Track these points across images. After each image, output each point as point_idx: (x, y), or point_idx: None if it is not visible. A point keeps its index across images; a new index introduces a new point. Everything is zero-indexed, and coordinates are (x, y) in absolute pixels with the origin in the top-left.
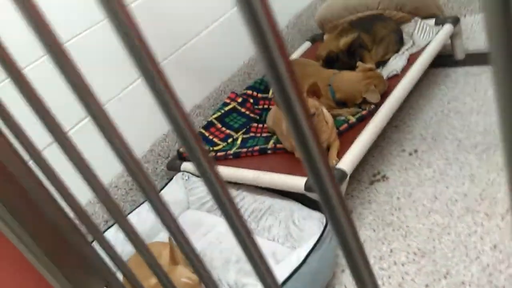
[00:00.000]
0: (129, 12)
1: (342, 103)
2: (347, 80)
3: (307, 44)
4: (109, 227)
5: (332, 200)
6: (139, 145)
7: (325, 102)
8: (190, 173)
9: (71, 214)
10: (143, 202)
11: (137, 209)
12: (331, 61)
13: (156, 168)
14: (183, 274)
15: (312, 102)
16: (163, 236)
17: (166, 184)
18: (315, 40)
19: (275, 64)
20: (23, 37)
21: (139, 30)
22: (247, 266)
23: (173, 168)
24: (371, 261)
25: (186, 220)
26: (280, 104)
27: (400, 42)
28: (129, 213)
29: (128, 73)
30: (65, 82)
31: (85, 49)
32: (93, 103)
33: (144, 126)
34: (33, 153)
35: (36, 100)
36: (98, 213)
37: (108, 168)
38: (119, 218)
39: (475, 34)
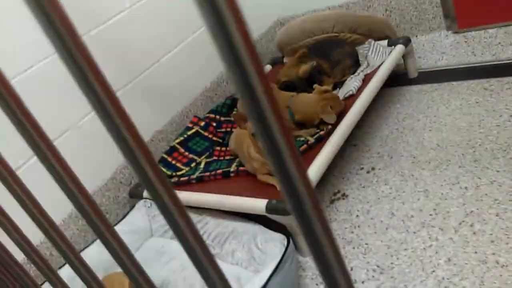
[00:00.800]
0: (82, 45)
1: (301, 124)
2: (304, 102)
3: (267, 68)
4: (62, 265)
5: (315, 228)
6: (101, 173)
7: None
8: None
9: (19, 256)
10: None
11: (97, 241)
12: (288, 89)
13: (118, 196)
14: None
15: None
16: None
17: (128, 212)
18: (276, 63)
19: (249, 82)
20: None
21: (93, 63)
22: None
23: (135, 195)
24: None
25: (150, 248)
26: (253, 122)
27: (356, 64)
28: (90, 244)
29: (85, 102)
30: (9, 118)
31: (45, 77)
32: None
33: (106, 153)
34: None
35: None
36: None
37: (64, 201)
38: (71, 256)
39: (426, 53)
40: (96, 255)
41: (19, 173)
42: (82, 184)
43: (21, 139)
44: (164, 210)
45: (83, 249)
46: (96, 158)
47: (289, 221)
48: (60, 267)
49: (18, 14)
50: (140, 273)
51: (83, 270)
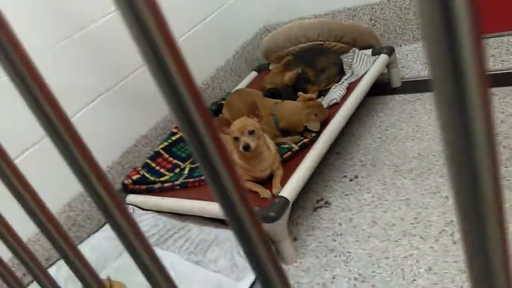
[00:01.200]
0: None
1: (285, 132)
2: (289, 109)
3: (253, 74)
4: (49, 266)
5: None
6: None
7: (269, 131)
8: (136, 205)
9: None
10: (85, 238)
11: (78, 246)
12: (274, 96)
13: None
14: None
15: (251, 122)
16: (107, 273)
17: None
18: (261, 69)
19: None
20: None
21: (45, 86)
22: None
23: None
24: None
25: None
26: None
27: (341, 73)
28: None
29: (76, 100)
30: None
31: None
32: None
33: None
34: None
35: None
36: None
37: (48, 203)
38: (69, 252)
39: (410, 62)
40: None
41: None
42: (44, 203)
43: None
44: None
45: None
46: None
47: (272, 228)
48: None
49: None
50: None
51: (80, 266)
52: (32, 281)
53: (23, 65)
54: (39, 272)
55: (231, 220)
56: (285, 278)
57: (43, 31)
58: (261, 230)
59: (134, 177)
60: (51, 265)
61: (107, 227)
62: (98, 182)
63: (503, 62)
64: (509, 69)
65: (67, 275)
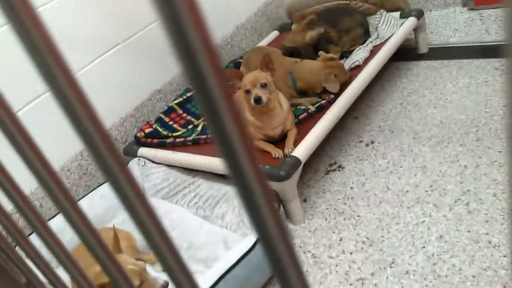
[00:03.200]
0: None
1: (303, 92)
2: (308, 69)
3: (275, 33)
4: (55, 215)
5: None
6: None
7: (286, 90)
8: (147, 158)
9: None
10: (96, 187)
11: (89, 195)
12: (293, 55)
13: None
14: (128, 261)
15: (264, 75)
16: (116, 223)
17: None
18: (284, 29)
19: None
20: None
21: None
22: (198, 253)
23: (129, 153)
24: (320, 249)
25: None
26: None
27: (366, 35)
28: (80, 199)
29: (86, 51)
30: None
31: None
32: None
33: (102, 109)
34: None
35: None
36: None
37: (60, 151)
38: (66, 205)
39: (439, 28)
40: (85, 210)
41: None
42: (46, 158)
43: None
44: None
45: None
46: None
47: (282, 187)
48: (49, 219)
49: None
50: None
51: (78, 220)
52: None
53: (25, 12)
54: (40, 225)
55: (234, 175)
56: (289, 242)
57: None
58: (267, 190)
59: (147, 131)
60: (57, 214)
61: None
62: (102, 143)
63: None
64: None
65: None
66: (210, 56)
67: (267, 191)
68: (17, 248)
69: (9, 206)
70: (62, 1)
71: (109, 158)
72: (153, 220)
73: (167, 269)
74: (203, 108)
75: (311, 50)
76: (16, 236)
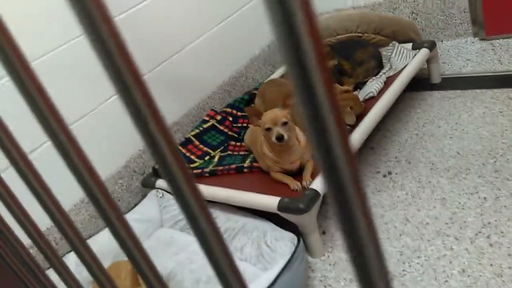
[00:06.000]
0: (113, 27)
1: None
2: None
3: None
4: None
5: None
6: (114, 161)
7: (301, 122)
8: (165, 190)
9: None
10: None
11: (105, 228)
12: None
13: (131, 185)
14: None
15: (284, 113)
16: None
17: (140, 201)
18: None
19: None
20: None
21: (120, 41)
22: (217, 286)
23: (148, 185)
24: (341, 283)
25: (159, 239)
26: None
27: (379, 66)
28: (100, 230)
29: (104, 88)
30: (27, 103)
31: (60, 64)
32: (56, 124)
33: (120, 141)
34: None
35: None
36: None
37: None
38: (78, 243)
39: (451, 59)
40: (106, 241)
41: (32, 157)
42: (95, 169)
43: (35, 122)
44: (183, 203)
45: (93, 235)
46: (110, 146)
47: (301, 220)
48: (66, 253)
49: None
50: (147, 262)
51: (88, 257)
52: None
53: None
54: (55, 260)
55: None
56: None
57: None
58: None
59: None
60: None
61: (136, 209)
62: (98, 191)
63: None
64: None
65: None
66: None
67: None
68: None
69: (27, 241)
70: (77, 38)
71: (108, 207)
72: (149, 265)
73: None
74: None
75: None
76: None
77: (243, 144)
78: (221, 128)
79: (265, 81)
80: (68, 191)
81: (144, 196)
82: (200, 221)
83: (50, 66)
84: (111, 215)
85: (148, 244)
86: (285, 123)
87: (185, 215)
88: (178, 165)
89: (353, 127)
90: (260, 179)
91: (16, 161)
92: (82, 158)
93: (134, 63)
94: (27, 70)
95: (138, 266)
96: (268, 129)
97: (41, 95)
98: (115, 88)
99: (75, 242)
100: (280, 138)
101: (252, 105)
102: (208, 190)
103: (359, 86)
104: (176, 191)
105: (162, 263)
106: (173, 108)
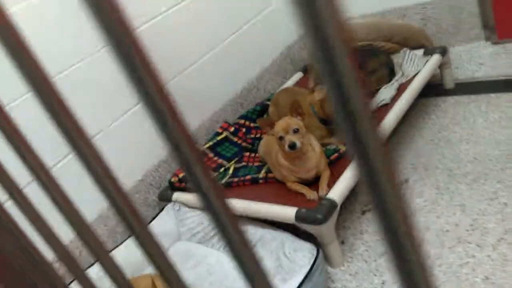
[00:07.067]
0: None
1: (324, 120)
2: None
3: (299, 75)
4: (91, 265)
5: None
6: (131, 175)
7: (315, 131)
8: (182, 203)
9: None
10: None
11: (126, 241)
12: None
13: (147, 198)
14: None
15: (295, 120)
16: (150, 271)
17: (157, 214)
18: (307, 70)
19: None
20: (5, 72)
21: (142, 49)
22: None
23: (164, 198)
24: None
25: (177, 252)
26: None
27: (391, 74)
28: (118, 245)
29: (120, 103)
30: (50, 118)
31: (77, 80)
32: (80, 138)
33: (136, 155)
34: (12, 191)
35: (18, 137)
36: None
37: (98, 198)
38: (101, 254)
39: (464, 63)
40: (123, 257)
41: (53, 171)
42: (118, 181)
43: (56, 137)
44: (215, 218)
45: (111, 250)
46: (126, 160)
47: (319, 231)
48: (88, 267)
49: (60, 19)
50: (174, 274)
51: (113, 269)
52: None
53: (41, 80)
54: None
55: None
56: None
57: (81, 40)
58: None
59: (181, 175)
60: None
61: (154, 223)
62: (122, 200)
63: None
64: None
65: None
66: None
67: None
68: None
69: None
70: (90, 56)
71: (131, 216)
72: (173, 273)
73: None
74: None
75: None
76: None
77: (257, 155)
78: (235, 139)
79: (278, 90)
80: (85, 207)
81: (161, 210)
82: (232, 237)
83: (67, 81)
84: (136, 225)
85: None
86: (296, 130)
87: (218, 229)
88: (204, 173)
89: None
90: (276, 189)
91: (38, 174)
92: (104, 170)
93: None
94: (48, 85)
95: (166, 278)
96: (281, 138)
97: (62, 108)
98: (138, 97)
99: (100, 253)
100: (292, 146)
101: (265, 115)
102: None
103: (371, 94)
104: (206, 204)
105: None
106: (187, 120)
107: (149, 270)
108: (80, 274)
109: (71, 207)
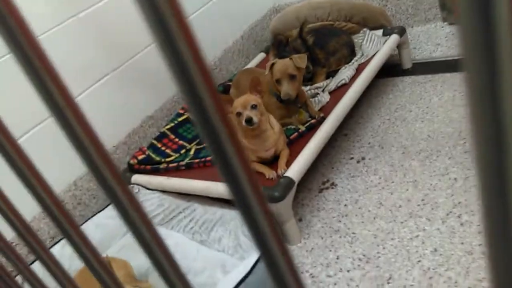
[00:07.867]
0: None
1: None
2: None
3: (261, 56)
4: (54, 244)
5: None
6: None
7: (274, 110)
8: (141, 185)
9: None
10: (90, 217)
11: (83, 225)
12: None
13: None
14: None
15: (253, 97)
16: (111, 252)
17: None
18: (269, 51)
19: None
20: None
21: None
22: (197, 279)
23: None
24: (318, 268)
25: None
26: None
27: (352, 54)
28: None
29: (75, 84)
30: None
31: None
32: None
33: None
34: None
35: None
36: (42, 230)
37: (54, 181)
38: (71, 230)
39: (422, 44)
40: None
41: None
42: (47, 183)
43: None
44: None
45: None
46: None
47: (277, 208)
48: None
49: None
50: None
51: (83, 246)
52: (35, 260)
53: (27, 42)
54: (42, 252)
55: (237, 200)
56: (291, 259)
57: (49, 9)
58: (267, 210)
59: (140, 157)
60: (56, 242)
61: (111, 206)
62: (103, 163)
63: None
64: None
65: (72, 253)
66: (204, 75)
67: (267, 211)
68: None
69: (10, 235)
70: (49, 33)
71: (111, 179)
72: (158, 243)
73: None
74: (201, 128)
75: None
76: (18, 264)
77: None
78: None
79: (239, 71)
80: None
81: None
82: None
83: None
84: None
85: (125, 241)
86: (254, 106)
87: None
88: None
89: (326, 114)
90: None
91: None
92: (33, 171)
93: (64, 85)
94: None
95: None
96: (239, 114)
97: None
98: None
99: (68, 230)
100: (249, 120)
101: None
102: (185, 183)
103: (331, 74)
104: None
105: (140, 260)
106: (147, 102)
107: (109, 252)
108: (45, 252)
109: (39, 180)
